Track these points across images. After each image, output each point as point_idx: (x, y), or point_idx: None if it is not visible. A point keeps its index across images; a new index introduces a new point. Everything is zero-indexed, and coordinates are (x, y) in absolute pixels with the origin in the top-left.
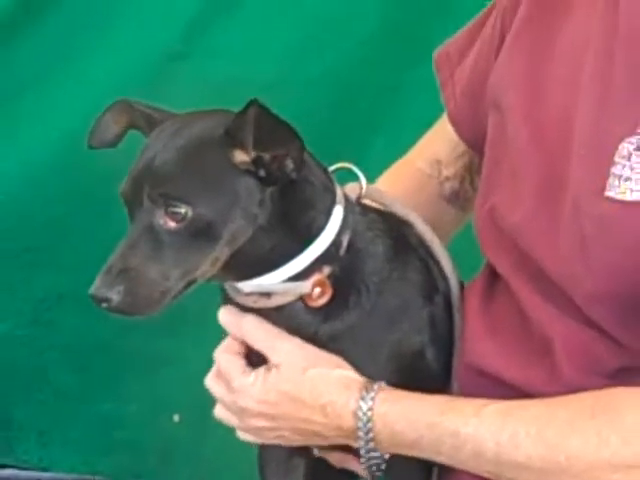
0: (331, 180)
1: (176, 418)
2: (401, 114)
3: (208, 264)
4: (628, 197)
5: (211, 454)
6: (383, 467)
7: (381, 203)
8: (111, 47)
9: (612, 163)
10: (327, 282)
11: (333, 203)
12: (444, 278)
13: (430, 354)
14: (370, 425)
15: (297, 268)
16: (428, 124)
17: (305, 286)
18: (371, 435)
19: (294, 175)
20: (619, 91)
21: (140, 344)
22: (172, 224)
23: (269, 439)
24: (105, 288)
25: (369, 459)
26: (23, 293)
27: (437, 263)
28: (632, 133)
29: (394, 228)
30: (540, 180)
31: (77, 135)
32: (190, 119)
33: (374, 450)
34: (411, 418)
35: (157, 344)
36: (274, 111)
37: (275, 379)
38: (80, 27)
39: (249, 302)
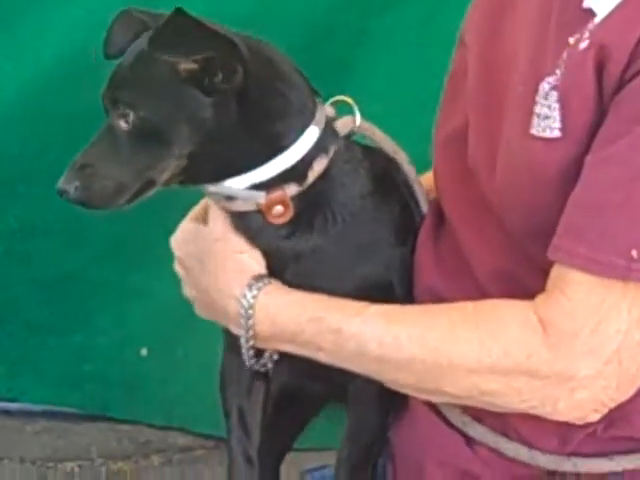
0: (314, 102)
1: (144, 352)
2: (372, 57)
3: (161, 166)
4: (548, 134)
5: (178, 387)
6: (269, 366)
7: (372, 138)
8: None
9: (534, 102)
10: (288, 201)
11: (308, 123)
12: (421, 219)
13: (399, 290)
14: (251, 312)
15: (259, 178)
16: (397, 68)
17: (260, 196)
18: (251, 322)
19: (227, 86)
20: (552, 33)
21: (110, 277)
22: (124, 126)
23: (190, 297)
24: (65, 182)
25: (249, 349)
26: None
27: (417, 204)
28: (552, 72)
29: (379, 166)
30: (484, 117)
31: (49, 71)
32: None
33: (253, 339)
34: (294, 311)
35: (127, 278)
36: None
37: (196, 233)
38: None
39: (214, 202)
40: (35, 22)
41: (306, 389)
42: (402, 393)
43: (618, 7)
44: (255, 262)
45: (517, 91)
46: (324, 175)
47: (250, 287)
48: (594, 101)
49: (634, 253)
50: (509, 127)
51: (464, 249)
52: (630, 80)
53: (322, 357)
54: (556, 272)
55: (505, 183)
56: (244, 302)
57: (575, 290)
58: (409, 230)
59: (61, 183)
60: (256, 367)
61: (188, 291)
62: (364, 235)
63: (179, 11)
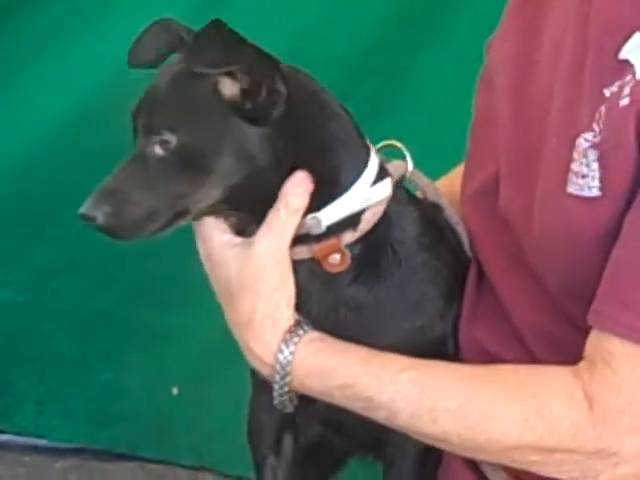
0: (365, 144)
1: (175, 391)
2: (409, 98)
3: (198, 196)
4: (586, 193)
5: (208, 428)
6: (295, 402)
7: (417, 183)
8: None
9: (571, 159)
10: (343, 249)
11: (364, 165)
12: (467, 266)
13: (450, 343)
14: (289, 369)
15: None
16: (434, 108)
17: (306, 251)
18: (288, 379)
19: (275, 110)
20: (586, 83)
21: (142, 315)
22: (160, 152)
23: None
24: (93, 207)
25: (282, 402)
26: (27, 260)
27: (462, 249)
28: (588, 128)
29: (426, 210)
30: (518, 165)
31: (79, 107)
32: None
33: (288, 393)
34: (324, 376)
35: (159, 316)
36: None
37: (238, 257)
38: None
39: None
40: (61, 59)
41: (335, 443)
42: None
43: None
44: (287, 314)
45: (551, 142)
46: (381, 217)
47: (286, 342)
48: (635, 161)
49: None
50: (544, 182)
51: (503, 303)
52: None
53: (350, 409)
54: (597, 338)
55: (542, 241)
56: (281, 358)
57: (621, 363)
58: (459, 279)
59: (87, 209)
60: (285, 405)
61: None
62: (424, 281)
63: (218, 22)
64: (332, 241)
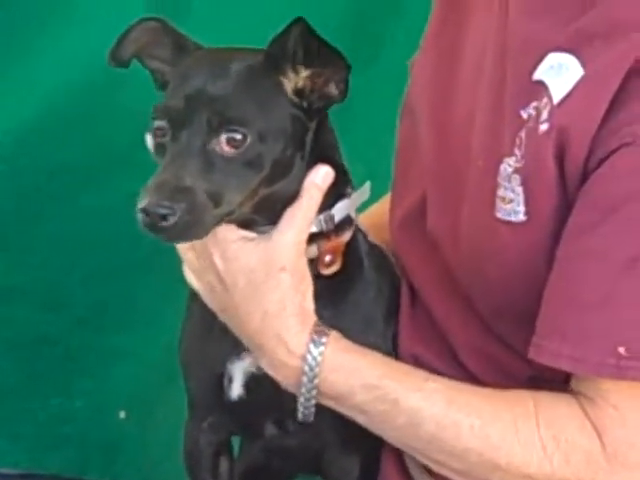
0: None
1: (122, 414)
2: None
3: (249, 195)
4: (513, 218)
5: (156, 451)
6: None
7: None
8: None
9: (497, 184)
10: (342, 249)
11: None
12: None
13: None
14: (317, 370)
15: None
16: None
17: (314, 250)
18: (317, 381)
19: (338, 99)
20: (506, 105)
21: (88, 339)
22: (228, 149)
23: (213, 308)
24: (166, 203)
25: (309, 407)
26: None
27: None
28: (510, 153)
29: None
30: (444, 188)
31: (29, 127)
32: (228, 51)
33: (317, 397)
34: (349, 374)
35: (105, 340)
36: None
37: (256, 249)
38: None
39: None
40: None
41: (277, 466)
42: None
43: (576, 88)
44: (312, 306)
45: (477, 165)
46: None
47: (315, 343)
48: (557, 186)
49: (621, 350)
50: (471, 206)
51: (437, 323)
52: (597, 167)
53: (362, 419)
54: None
55: (470, 263)
56: (310, 360)
57: (618, 399)
58: (396, 298)
59: (157, 204)
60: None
61: (212, 304)
62: (372, 298)
63: (301, 21)
64: (339, 239)
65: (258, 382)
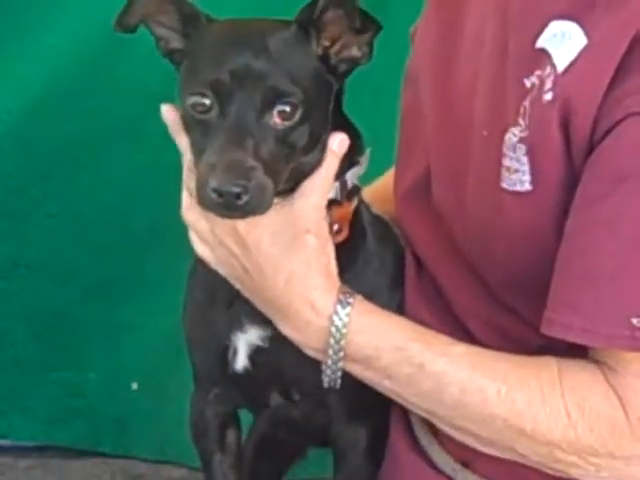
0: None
1: (134, 386)
2: None
3: (290, 168)
4: (519, 188)
5: (169, 421)
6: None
7: None
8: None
9: (502, 153)
10: (350, 217)
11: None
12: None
13: None
14: (345, 331)
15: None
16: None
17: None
18: (343, 343)
19: (364, 61)
20: (508, 74)
21: (99, 312)
22: (279, 122)
23: (227, 274)
24: (241, 182)
25: (336, 370)
26: None
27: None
28: (515, 123)
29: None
30: (448, 159)
31: (35, 98)
32: (254, 23)
33: (344, 359)
34: (375, 335)
35: (116, 312)
36: None
37: (280, 210)
38: None
39: None
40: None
41: (286, 438)
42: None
43: (580, 56)
44: (335, 269)
45: (481, 135)
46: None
47: (342, 303)
48: (563, 155)
49: (635, 321)
50: (477, 174)
51: (444, 293)
52: (603, 138)
53: (386, 385)
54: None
55: (476, 232)
56: (336, 320)
57: (639, 368)
58: (401, 267)
59: (236, 181)
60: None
61: (229, 270)
62: (375, 269)
63: None
64: (350, 205)
65: (263, 354)
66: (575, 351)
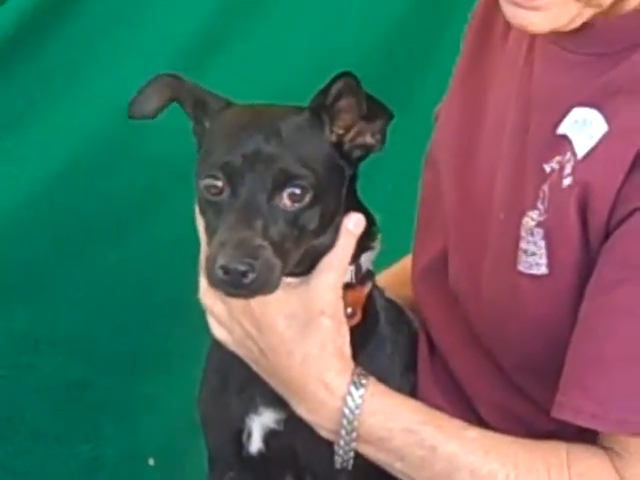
0: None
1: (151, 462)
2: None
3: (301, 250)
4: (535, 271)
5: None
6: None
7: None
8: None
9: (520, 236)
10: (363, 300)
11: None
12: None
13: None
14: (358, 412)
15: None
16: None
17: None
18: (356, 424)
19: (377, 148)
20: (528, 159)
21: (117, 387)
22: (289, 204)
23: (244, 355)
24: (247, 260)
25: (348, 451)
26: (2, 334)
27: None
28: (533, 207)
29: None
30: (466, 239)
31: (58, 176)
32: (268, 108)
33: (357, 440)
34: (389, 417)
35: (134, 388)
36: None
37: (297, 292)
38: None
39: None
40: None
41: None
42: None
43: (600, 142)
44: (349, 350)
45: (498, 218)
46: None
47: (355, 385)
48: (580, 239)
49: None
50: (493, 256)
51: (457, 377)
52: (620, 224)
53: (398, 467)
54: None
55: (491, 313)
56: (350, 402)
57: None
58: (414, 352)
59: (243, 259)
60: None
61: (246, 353)
62: (389, 354)
63: (346, 74)
64: (364, 289)
65: (277, 437)
66: (585, 435)
